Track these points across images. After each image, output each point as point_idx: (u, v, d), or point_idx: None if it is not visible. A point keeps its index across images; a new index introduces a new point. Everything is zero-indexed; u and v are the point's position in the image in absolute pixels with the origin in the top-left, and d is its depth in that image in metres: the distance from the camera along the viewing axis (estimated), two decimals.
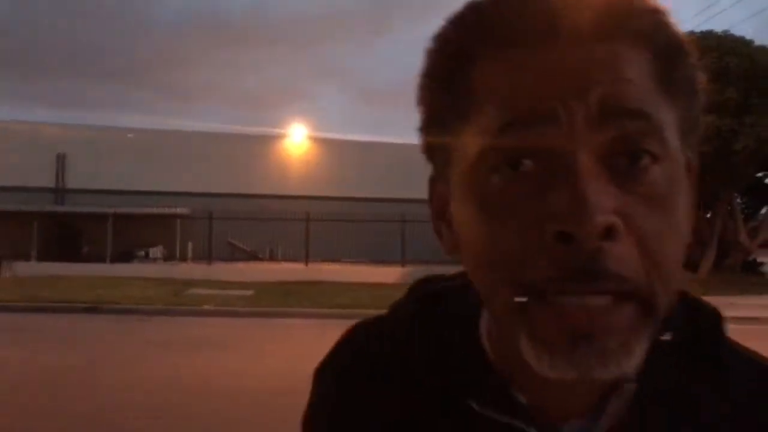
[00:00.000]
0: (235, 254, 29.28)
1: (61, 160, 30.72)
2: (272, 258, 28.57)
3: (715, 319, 0.55)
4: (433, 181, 0.54)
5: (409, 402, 0.55)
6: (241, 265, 24.01)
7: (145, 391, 6.80)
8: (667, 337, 0.50)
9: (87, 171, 30.22)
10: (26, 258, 24.78)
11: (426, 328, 0.56)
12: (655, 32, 0.46)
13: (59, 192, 30.83)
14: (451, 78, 0.48)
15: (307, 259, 25.32)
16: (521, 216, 0.43)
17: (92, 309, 13.28)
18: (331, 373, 0.61)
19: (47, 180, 30.60)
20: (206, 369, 7.90)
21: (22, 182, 29.43)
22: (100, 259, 27.03)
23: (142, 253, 29.04)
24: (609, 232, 0.41)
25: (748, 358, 0.55)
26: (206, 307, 13.65)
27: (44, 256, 25.68)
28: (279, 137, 33.97)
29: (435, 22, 0.51)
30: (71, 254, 26.81)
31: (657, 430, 0.49)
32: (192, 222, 29.37)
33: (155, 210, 29.01)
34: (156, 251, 29.10)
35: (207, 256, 27.42)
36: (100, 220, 28.61)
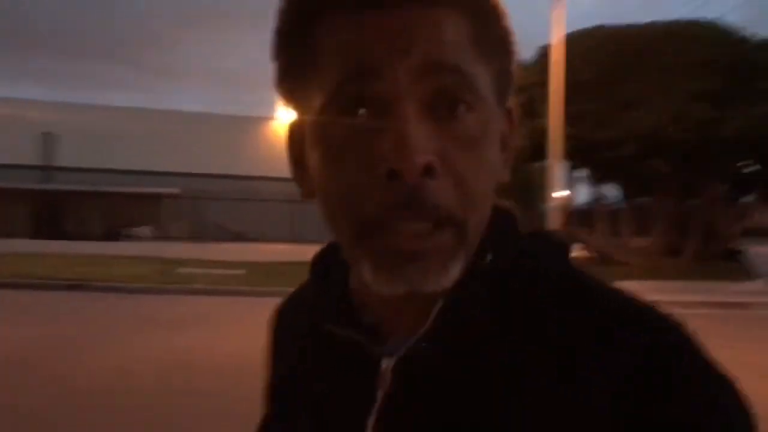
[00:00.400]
0: (223, 235, 29.32)
1: (48, 138, 30.51)
2: (259, 239, 28.58)
3: (551, 247, 0.61)
4: (291, 130, 0.61)
5: (302, 334, 0.68)
6: (228, 246, 24.01)
7: (134, 368, 6.90)
8: (488, 258, 0.57)
9: (74, 149, 30.02)
10: (12, 235, 24.68)
11: (317, 279, 0.67)
12: (472, 1, 0.54)
13: (46, 170, 30.66)
14: (298, 36, 0.55)
15: (295, 240, 25.39)
16: (358, 158, 0.51)
17: (76, 286, 13.29)
18: (270, 320, 0.77)
19: (34, 158, 30.40)
20: (203, 345, 8.00)
21: (8, 160, 29.21)
22: (87, 237, 26.98)
23: (128, 232, 29.05)
24: (428, 170, 0.48)
25: (587, 286, 0.58)
26: (197, 285, 13.71)
27: (30, 234, 25.61)
28: (267, 119, 33.86)
29: None
30: (57, 232, 26.77)
31: (459, 338, 0.55)
32: (179, 202, 29.37)
33: (142, 189, 28.96)
34: (143, 230, 29.08)
35: (194, 236, 27.48)
36: (87, 199, 28.57)
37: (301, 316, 0.70)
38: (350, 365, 0.61)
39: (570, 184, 20.69)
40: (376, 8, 0.51)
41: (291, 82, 0.58)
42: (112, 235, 27.85)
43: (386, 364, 0.58)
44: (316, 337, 0.64)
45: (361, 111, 0.51)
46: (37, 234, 25.29)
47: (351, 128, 0.51)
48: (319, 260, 0.67)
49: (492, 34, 0.55)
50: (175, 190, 29.11)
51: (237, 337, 8.21)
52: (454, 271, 0.52)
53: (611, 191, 21.61)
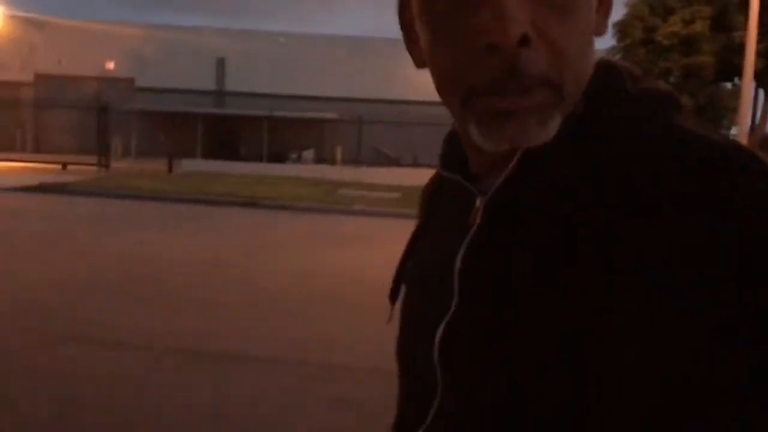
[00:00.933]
0: (379, 159, 29.88)
1: (221, 64, 32.24)
2: (415, 164, 28.85)
3: (650, 98, 0.59)
4: (401, 7, 0.64)
5: (436, 183, 0.76)
6: (385, 170, 24.51)
7: (301, 280, 7.42)
8: (578, 108, 0.57)
9: (244, 75, 31.53)
10: (191, 156, 26.59)
11: (445, 142, 0.71)
12: None
13: (219, 95, 32.56)
14: None
15: None
16: (459, 32, 0.53)
17: (251, 204, 14.31)
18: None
19: (209, 83, 32.31)
20: (360, 260, 8.44)
21: (186, 85, 31.28)
22: (257, 158, 28.51)
23: (295, 155, 30.37)
24: (523, 40, 0.51)
25: (689, 136, 0.56)
26: (356, 206, 14.27)
27: (207, 155, 27.49)
28: None
29: None
30: (230, 154, 28.52)
31: (537, 182, 0.58)
32: (340, 126, 30.19)
33: (306, 114, 30.00)
34: (308, 153, 30.28)
35: (354, 159, 28.27)
36: (256, 123, 30.10)
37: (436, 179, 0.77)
38: (456, 203, 0.66)
39: (763, 109, 18.78)
40: None
41: None
42: (279, 157, 29.22)
43: (480, 201, 0.62)
44: (439, 186, 0.74)
45: None
46: (213, 155, 27.03)
47: (451, 5, 0.54)
48: (452, 130, 0.71)
49: None
50: (334, 115, 29.91)
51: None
52: (553, 126, 0.54)
53: None
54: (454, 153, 0.68)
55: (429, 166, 25.82)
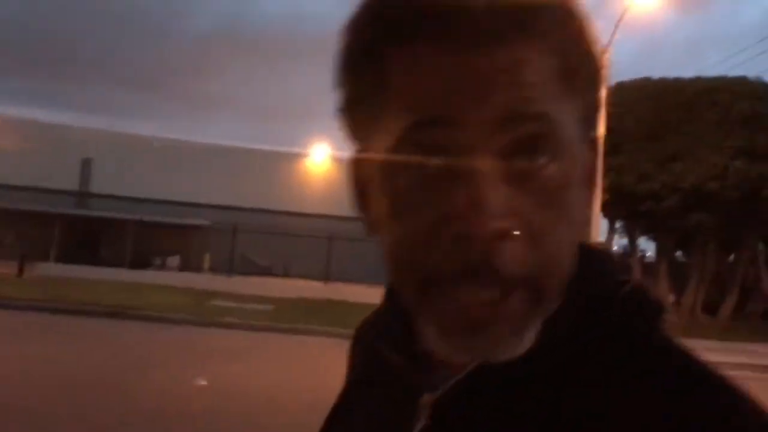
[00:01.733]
0: (251, 269, 29.39)
1: (86, 164, 31.04)
2: (287, 275, 28.59)
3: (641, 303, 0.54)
4: (355, 164, 0.56)
5: (366, 357, 0.68)
6: (257, 280, 24.05)
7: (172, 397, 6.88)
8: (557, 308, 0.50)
9: (111, 176, 30.49)
10: (45, 258, 24.95)
11: (387, 301, 0.63)
12: (559, 31, 0.48)
13: (82, 196, 31.13)
14: (368, 65, 0.50)
15: (327, 278, 25.38)
16: (427, 210, 0.46)
17: (116, 314, 13.37)
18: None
19: (71, 183, 30.90)
20: (240, 378, 7.98)
21: (46, 184, 29.73)
22: (118, 264, 27.18)
23: (159, 261, 29.21)
24: (503, 234, 0.44)
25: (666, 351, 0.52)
26: (229, 319, 13.72)
27: (63, 258, 25.88)
28: (302, 156, 34.21)
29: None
30: (90, 257, 27.02)
31: (503, 388, 0.51)
32: (210, 233, 29.56)
33: (176, 220, 29.23)
34: (172, 260, 29.25)
35: (222, 268, 27.57)
36: (121, 226, 28.84)
37: (369, 338, 0.67)
38: (394, 389, 0.59)
39: (608, 236, 20.50)
40: (454, 44, 0.47)
41: (356, 112, 0.53)
42: (142, 263, 28.03)
43: (427, 397, 0.55)
44: (371, 357, 0.64)
45: (434, 160, 0.47)
46: (70, 258, 25.52)
47: (422, 177, 0.47)
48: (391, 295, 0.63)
49: (581, 65, 0.50)
50: (207, 222, 29.33)
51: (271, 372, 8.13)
52: (529, 337, 0.47)
53: (646, 245, 21.35)
54: (394, 317, 0.58)
55: (300, 276, 26.37)
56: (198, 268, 27.87)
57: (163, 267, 28.63)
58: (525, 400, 0.50)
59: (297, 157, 34.11)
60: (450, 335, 0.47)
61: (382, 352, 0.60)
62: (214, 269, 27.67)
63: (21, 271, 20.08)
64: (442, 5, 0.47)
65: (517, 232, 0.45)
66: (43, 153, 29.92)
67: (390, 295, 0.61)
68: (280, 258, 30.00)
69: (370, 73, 0.50)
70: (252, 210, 30.84)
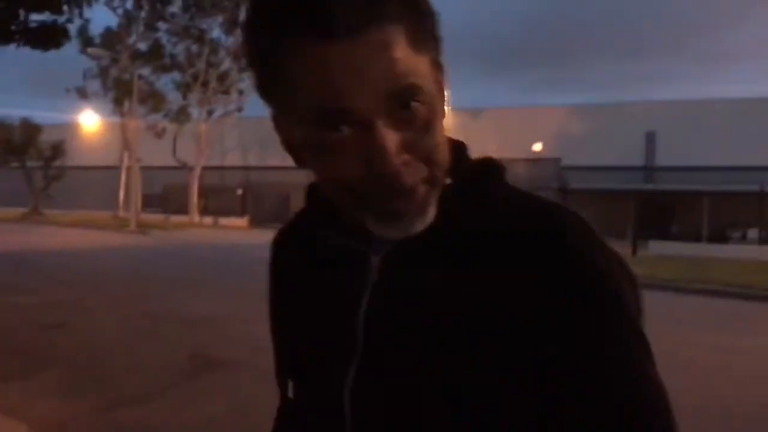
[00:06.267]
0: None
1: (650, 138, 30.70)
2: None
3: (485, 168, 0.76)
4: (277, 123, 0.73)
5: (300, 251, 0.84)
6: None
7: None
8: (448, 181, 0.71)
9: (675, 148, 29.47)
10: (622, 237, 25.24)
11: (310, 200, 0.83)
12: (405, 6, 0.64)
13: (649, 170, 30.90)
14: (266, 53, 0.65)
15: None
16: (349, 161, 0.64)
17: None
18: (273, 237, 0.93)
19: (637, 159, 30.94)
20: None
21: (614, 161, 30.34)
22: (693, 238, 26.01)
23: (738, 234, 27.07)
24: (403, 163, 0.64)
25: (519, 198, 0.73)
26: None
27: (639, 236, 25.85)
28: None
29: None
30: (661, 233, 26.51)
31: (419, 245, 0.70)
32: None
33: (751, 188, 26.59)
34: (752, 232, 26.75)
35: None
36: (693, 199, 27.64)
37: (294, 238, 0.87)
38: (343, 264, 0.77)
39: None
40: (331, 37, 0.61)
41: (267, 89, 0.69)
42: (719, 237, 26.31)
43: (374, 259, 0.74)
44: (308, 250, 0.82)
45: (343, 127, 0.63)
46: (643, 234, 25.35)
47: (339, 138, 0.64)
48: (312, 189, 0.81)
49: (426, 28, 0.66)
50: None
51: None
52: (431, 212, 0.68)
53: None
54: (321, 211, 0.79)
55: None
56: None
57: (743, 240, 26.42)
58: (438, 252, 0.71)
59: None
60: (383, 222, 0.67)
61: (329, 237, 0.78)
62: None
63: (634, 250, 20.59)
64: (314, 2, 0.61)
65: (408, 157, 0.64)
66: (608, 133, 30.60)
67: (310, 200, 0.82)
68: None
69: (271, 59, 0.65)
70: None
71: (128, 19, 30.21)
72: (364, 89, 0.62)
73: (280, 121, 0.72)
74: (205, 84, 32.93)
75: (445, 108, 0.71)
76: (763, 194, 26.57)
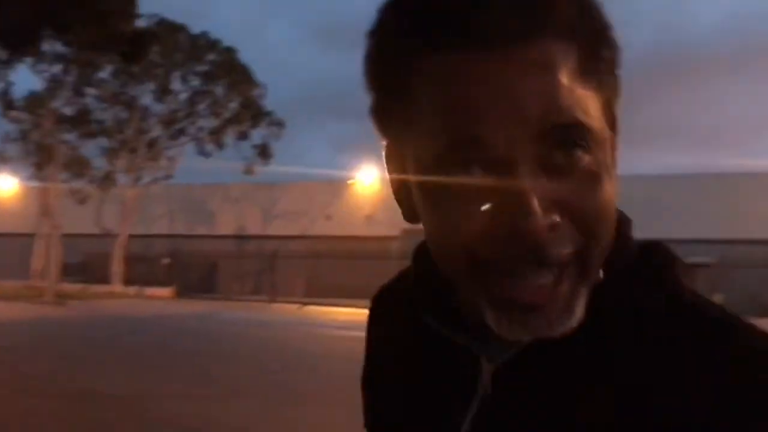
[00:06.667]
0: (758, 309, 25.95)
1: None
2: None
3: (658, 257, 0.57)
4: (389, 160, 0.58)
5: (399, 323, 0.69)
6: None
7: None
8: (599, 275, 0.53)
9: None
10: None
11: (419, 269, 0.65)
12: (579, 22, 0.50)
13: None
14: (394, 73, 0.52)
15: None
16: (477, 217, 0.49)
17: None
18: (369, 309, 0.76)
19: None
20: None
21: None
22: None
23: None
24: (550, 228, 0.48)
25: (699, 307, 0.54)
26: None
27: None
28: None
29: None
30: None
31: (559, 355, 0.53)
32: (717, 271, 27.09)
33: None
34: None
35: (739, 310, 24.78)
36: None
37: (399, 305, 0.70)
38: (448, 361, 0.61)
39: None
40: (479, 48, 0.47)
41: (387, 117, 0.55)
42: None
43: (487, 367, 0.58)
44: (413, 328, 0.65)
45: (476, 169, 0.49)
46: None
47: (467, 184, 0.49)
48: (423, 251, 0.63)
49: (603, 55, 0.52)
50: (708, 259, 26.95)
51: None
52: (579, 311, 0.51)
53: None
54: (429, 284, 0.62)
55: None
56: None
57: None
58: (580, 371, 0.53)
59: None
60: (506, 316, 0.50)
61: (429, 323, 0.62)
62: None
63: None
64: (461, 8, 0.48)
65: (558, 220, 0.48)
66: None
67: (418, 267, 0.65)
68: None
69: (397, 80, 0.51)
70: (746, 242, 27.46)
71: (54, 83, 29.54)
72: (512, 118, 0.47)
73: (393, 157, 0.58)
74: (133, 150, 32.28)
75: (615, 167, 0.54)
76: (692, 266, 27.46)
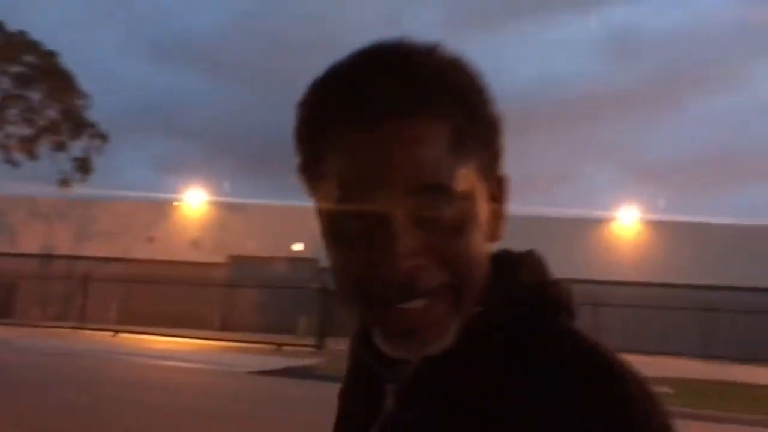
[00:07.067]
0: None
1: None
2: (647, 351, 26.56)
3: (536, 297, 0.67)
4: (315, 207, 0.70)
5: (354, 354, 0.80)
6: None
7: None
8: (476, 309, 0.65)
9: None
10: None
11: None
12: (453, 104, 0.61)
13: None
14: (306, 142, 0.66)
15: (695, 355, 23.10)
16: (362, 257, 0.61)
17: None
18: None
19: None
20: None
21: None
22: None
23: None
24: (414, 269, 0.60)
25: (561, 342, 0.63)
26: None
27: None
28: (606, 220, 32.59)
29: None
30: None
31: (442, 378, 0.65)
32: None
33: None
34: None
35: None
36: None
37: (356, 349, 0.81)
38: (369, 385, 0.73)
39: None
40: (364, 126, 0.60)
41: (305, 176, 0.68)
42: None
43: (390, 387, 0.69)
44: (355, 355, 0.80)
45: (360, 223, 0.61)
46: None
47: (355, 233, 0.61)
48: None
49: (476, 131, 0.63)
50: None
51: None
52: (449, 335, 0.63)
53: None
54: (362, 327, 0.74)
55: (669, 354, 24.25)
56: None
57: None
58: (459, 385, 0.64)
59: (600, 222, 32.50)
60: (391, 339, 0.63)
61: (358, 352, 0.75)
62: None
63: None
64: (354, 93, 0.61)
65: (423, 262, 0.60)
66: None
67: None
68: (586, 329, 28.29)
69: (309, 148, 0.66)
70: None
71: None
72: (386, 182, 0.60)
73: (316, 208, 0.70)
74: None
75: (495, 223, 0.68)
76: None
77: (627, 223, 32.23)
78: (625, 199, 33.57)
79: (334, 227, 0.63)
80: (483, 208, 0.65)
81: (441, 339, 0.62)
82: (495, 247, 0.70)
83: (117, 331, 24.13)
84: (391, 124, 0.60)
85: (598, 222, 32.46)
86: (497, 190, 0.68)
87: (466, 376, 0.64)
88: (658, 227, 31.75)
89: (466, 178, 0.62)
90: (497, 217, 0.68)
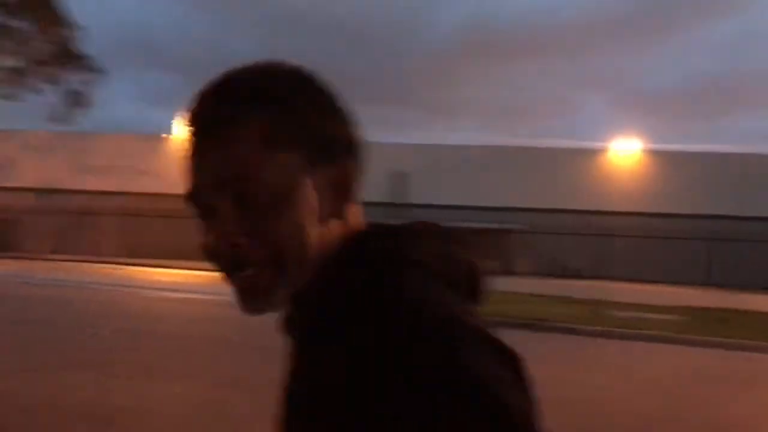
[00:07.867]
0: (563, 271, 28.66)
1: (398, 178, 32.23)
2: (601, 277, 27.21)
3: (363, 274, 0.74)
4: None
5: None
6: (577, 283, 23.01)
7: None
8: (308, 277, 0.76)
9: (422, 187, 31.45)
10: None
11: None
12: (263, 110, 0.75)
13: (394, 207, 32.46)
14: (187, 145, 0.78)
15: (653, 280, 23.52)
16: (207, 238, 0.75)
17: (529, 325, 13.15)
18: None
19: (385, 197, 32.34)
20: None
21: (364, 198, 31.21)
22: None
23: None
24: (238, 244, 0.73)
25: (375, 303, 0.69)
26: (645, 331, 12.85)
27: None
28: (601, 150, 32.64)
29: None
30: None
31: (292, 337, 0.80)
32: (525, 237, 29.26)
33: (489, 225, 29.33)
34: (491, 265, 29.22)
35: (536, 272, 27.06)
36: None
37: None
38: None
39: None
40: (195, 133, 0.75)
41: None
42: None
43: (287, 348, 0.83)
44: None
45: (199, 212, 0.76)
46: None
47: (200, 219, 0.77)
48: None
49: (291, 125, 0.75)
50: (520, 226, 29.07)
51: None
52: (276, 299, 0.76)
53: None
54: None
55: (613, 278, 24.95)
56: (511, 273, 27.57)
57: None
58: (297, 345, 0.79)
59: (596, 152, 32.54)
60: (237, 299, 0.76)
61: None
62: (529, 273, 27.32)
63: None
64: (192, 109, 0.77)
65: (243, 240, 0.73)
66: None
67: None
68: (592, 259, 28.84)
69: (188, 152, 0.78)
70: (558, 211, 30.00)
71: None
72: (203, 177, 0.75)
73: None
74: None
75: (335, 204, 0.77)
76: (502, 231, 29.46)
77: (629, 152, 32.16)
78: (627, 128, 33.57)
79: (193, 214, 0.77)
80: (309, 191, 0.75)
81: (269, 301, 0.76)
82: (359, 224, 0.80)
83: (124, 264, 24.24)
84: (207, 132, 0.75)
85: (600, 152, 32.47)
86: (339, 175, 0.77)
87: (299, 337, 0.79)
88: (660, 157, 31.82)
89: (281, 167, 0.74)
90: (339, 198, 0.77)
